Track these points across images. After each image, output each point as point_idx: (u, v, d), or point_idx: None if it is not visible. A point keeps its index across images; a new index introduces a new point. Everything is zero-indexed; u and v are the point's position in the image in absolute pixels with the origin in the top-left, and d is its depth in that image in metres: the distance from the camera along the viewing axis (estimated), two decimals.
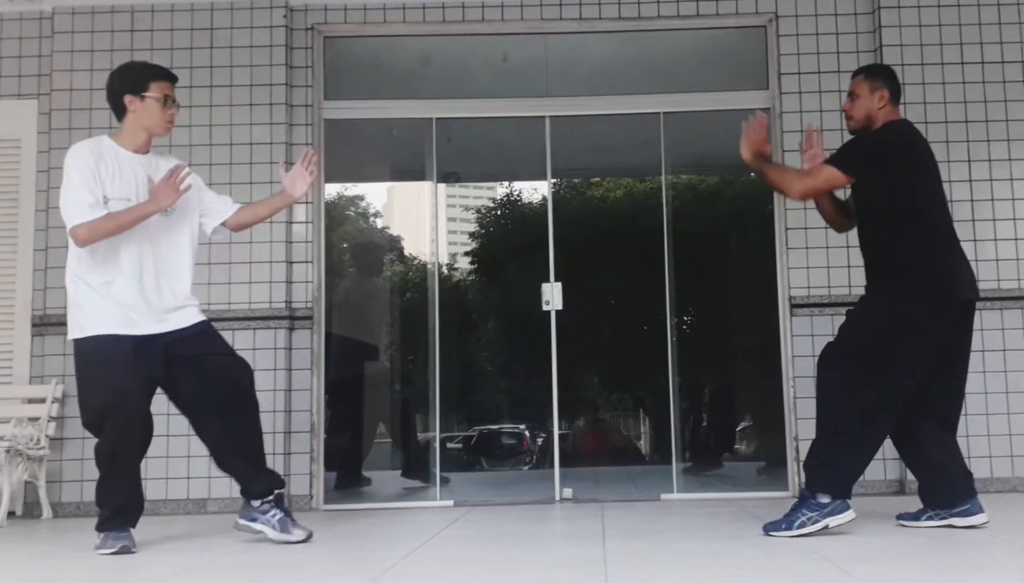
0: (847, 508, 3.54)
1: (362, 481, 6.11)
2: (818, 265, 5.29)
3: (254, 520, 3.76)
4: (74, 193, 3.61)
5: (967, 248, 3.90)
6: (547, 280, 5.47)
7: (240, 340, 5.14)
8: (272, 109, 5.34)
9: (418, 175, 6.22)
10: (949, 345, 3.68)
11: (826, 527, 3.51)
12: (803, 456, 5.09)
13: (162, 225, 3.77)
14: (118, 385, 3.56)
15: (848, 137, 4.06)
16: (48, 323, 5.21)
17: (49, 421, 5.04)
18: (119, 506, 3.65)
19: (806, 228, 5.31)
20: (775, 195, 5.47)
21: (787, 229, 5.34)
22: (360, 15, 5.53)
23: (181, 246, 3.84)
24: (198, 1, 5.42)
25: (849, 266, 5.26)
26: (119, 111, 3.78)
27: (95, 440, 4.78)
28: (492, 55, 5.91)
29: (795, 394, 5.22)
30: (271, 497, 3.78)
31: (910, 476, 5.02)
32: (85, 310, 3.63)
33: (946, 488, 3.71)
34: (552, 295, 5.45)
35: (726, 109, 5.62)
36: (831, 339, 3.99)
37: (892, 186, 3.70)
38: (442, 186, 6.48)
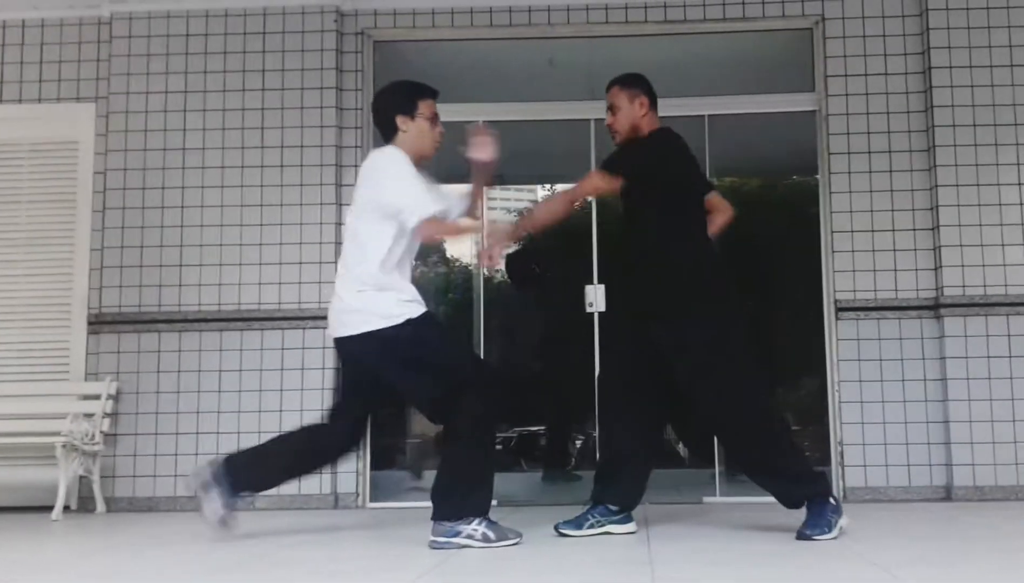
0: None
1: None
2: (864, 268, 5.27)
3: (457, 534, 3.53)
4: (415, 186, 3.60)
5: None
6: (591, 282, 5.49)
7: (289, 339, 5.27)
8: (323, 112, 5.42)
9: (463, 178, 6.26)
10: None
11: (841, 528, 3.58)
12: (847, 460, 5.13)
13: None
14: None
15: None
16: (103, 321, 5.34)
17: (103, 417, 5.16)
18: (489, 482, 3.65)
19: (852, 231, 5.29)
20: (820, 198, 5.47)
21: (832, 232, 5.32)
22: (409, 19, 5.60)
23: None
24: (251, 6, 5.52)
25: (896, 269, 5.24)
26: (390, 131, 3.76)
27: (151, 436, 4.96)
28: (538, 59, 5.96)
29: (840, 398, 5.21)
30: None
31: (957, 481, 5.01)
32: (405, 294, 3.61)
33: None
34: (595, 297, 5.47)
35: (771, 112, 5.63)
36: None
37: (660, 194, 3.77)
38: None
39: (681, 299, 3.71)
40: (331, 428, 3.80)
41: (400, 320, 3.54)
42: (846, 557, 3.17)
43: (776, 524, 3.85)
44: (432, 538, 3.51)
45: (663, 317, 3.74)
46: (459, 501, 3.52)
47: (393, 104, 3.77)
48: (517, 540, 3.57)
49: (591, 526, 3.79)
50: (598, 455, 4.26)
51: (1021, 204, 5.21)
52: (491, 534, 3.52)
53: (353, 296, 3.59)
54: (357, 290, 3.58)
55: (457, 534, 3.50)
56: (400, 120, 3.73)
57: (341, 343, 3.67)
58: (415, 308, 3.59)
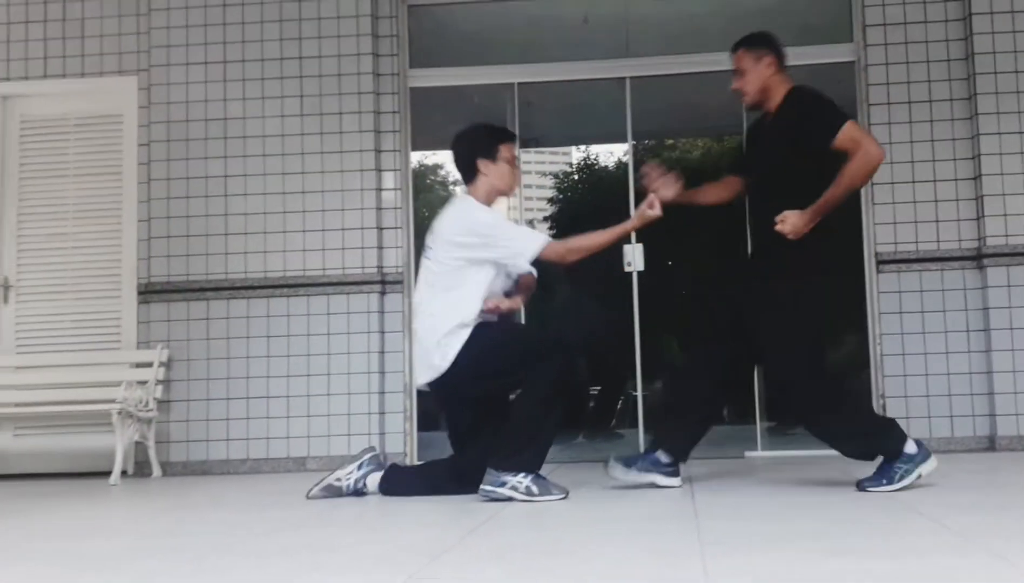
0: (930, 455, 3.59)
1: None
2: (905, 220, 5.24)
3: (503, 484, 3.61)
4: (516, 228, 3.83)
5: None
6: (628, 242, 5.50)
7: (335, 304, 5.34)
8: (360, 79, 5.46)
9: None
10: None
11: (919, 476, 3.53)
12: (890, 413, 5.13)
13: None
14: None
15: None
16: (153, 291, 5.46)
17: (156, 384, 5.29)
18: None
19: (892, 183, 5.26)
20: None
21: (873, 184, 5.27)
22: None
23: None
24: None
25: (938, 220, 5.21)
26: (470, 173, 3.86)
27: (203, 401, 5.06)
28: (572, 17, 5.93)
29: (882, 351, 5.21)
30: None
31: (1000, 431, 5.01)
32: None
33: None
34: (634, 257, 5.49)
35: (810, 63, 5.56)
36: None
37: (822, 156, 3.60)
38: (520, 152, 6.52)
39: (806, 257, 3.66)
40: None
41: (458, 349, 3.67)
42: (892, 508, 3.19)
43: (819, 478, 3.89)
44: (481, 486, 3.60)
45: (780, 273, 3.66)
46: (511, 453, 3.61)
47: (474, 148, 3.85)
48: (562, 496, 3.63)
49: (638, 470, 3.82)
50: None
51: None
52: (534, 488, 3.60)
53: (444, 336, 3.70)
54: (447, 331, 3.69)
55: (503, 484, 3.58)
56: (481, 163, 3.83)
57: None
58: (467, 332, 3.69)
